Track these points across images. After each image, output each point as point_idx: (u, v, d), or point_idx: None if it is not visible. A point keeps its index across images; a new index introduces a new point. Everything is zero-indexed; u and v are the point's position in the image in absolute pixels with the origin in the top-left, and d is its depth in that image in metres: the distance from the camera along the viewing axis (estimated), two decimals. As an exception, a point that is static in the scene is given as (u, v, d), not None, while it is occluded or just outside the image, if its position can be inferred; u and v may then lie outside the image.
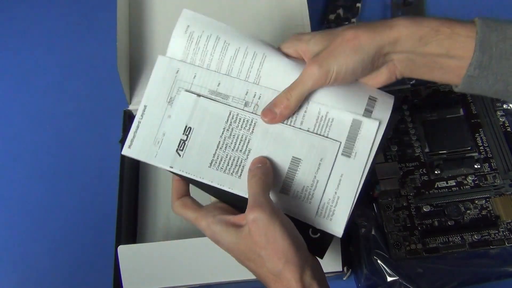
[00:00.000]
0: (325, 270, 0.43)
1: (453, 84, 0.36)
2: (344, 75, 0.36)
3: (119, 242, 0.46)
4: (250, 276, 0.43)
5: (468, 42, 0.33)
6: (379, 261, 0.47)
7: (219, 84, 0.38)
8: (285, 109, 0.37)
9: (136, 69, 0.55)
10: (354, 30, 0.35)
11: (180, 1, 0.57)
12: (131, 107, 0.53)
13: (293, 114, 0.38)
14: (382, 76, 0.38)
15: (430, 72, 0.36)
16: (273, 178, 0.37)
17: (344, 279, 0.47)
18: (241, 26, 0.56)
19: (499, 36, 0.33)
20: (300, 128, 0.38)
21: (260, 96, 0.38)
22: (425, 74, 0.37)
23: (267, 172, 0.36)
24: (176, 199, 0.39)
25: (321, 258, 0.38)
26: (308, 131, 0.38)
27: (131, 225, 0.51)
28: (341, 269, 0.44)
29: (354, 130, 0.38)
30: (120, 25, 0.52)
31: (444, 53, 0.34)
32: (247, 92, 0.38)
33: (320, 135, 0.38)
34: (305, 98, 0.37)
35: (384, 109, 0.39)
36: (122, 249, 0.44)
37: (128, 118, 0.53)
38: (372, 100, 0.39)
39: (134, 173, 0.54)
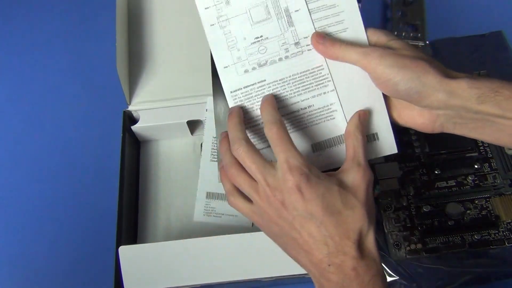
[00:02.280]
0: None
1: (506, 145, 0.37)
2: (386, 79, 0.36)
3: (119, 242, 0.46)
4: (251, 276, 0.43)
5: None
6: (379, 261, 0.47)
7: None
8: (332, 46, 0.38)
9: (136, 70, 0.55)
10: (427, 60, 0.36)
11: (179, 1, 0.57)
12: (130, 108, 0.53)
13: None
14: (421, 119, 0.38)
15: (479, 129, 0.36)
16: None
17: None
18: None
19: None
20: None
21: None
22: (473, 130, 0.36)
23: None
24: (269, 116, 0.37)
25: None
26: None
27: (132, 225, 0.51)
28: None
29: None
30: (119, 26, 0.52)
31: (501, 114, 0.34)
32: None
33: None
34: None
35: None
36: (123, 250, 0.44)
37: (128, 118, 0.53)
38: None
39: (134, 174, 0.54)
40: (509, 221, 0.48)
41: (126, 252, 0.45)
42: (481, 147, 0.51)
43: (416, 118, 0.39)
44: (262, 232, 0.44)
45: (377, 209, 0.49)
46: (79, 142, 0.60)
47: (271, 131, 0.35)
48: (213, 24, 0.40)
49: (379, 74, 0.36)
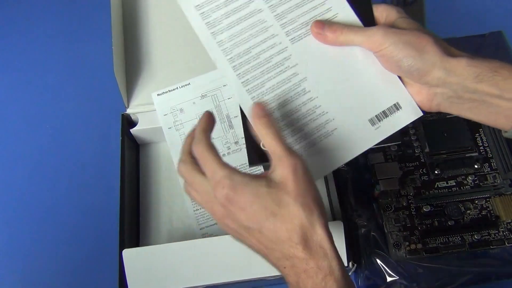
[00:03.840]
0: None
1: (501, 127, 0.36)
2: (389, 56, 0.36)
3: (122, 245, 0.46)
4: (255, 275, 0.43)
5: None
6: (379, 261, 0.47)
7: None
8: (333, 33, 0.38)
9: (133, 73, 0.55)
10: (431, 36, 0.36)
11: (174, 3, 0.57)
12: (129, 111, 0.53)
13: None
14: (419, 96, 0.39)
15: (476, 109, 0.36)
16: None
17: (349, 274, 0.47)
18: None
19: None
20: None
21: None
22: (468, 110, 0.37)
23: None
24: (204, 136, 0.36)
25: None
26: None
27: (134, 228, 0.52)
28: (346, 264, 0.44)
29: None
30: (115, 28, 0.52)
31: (497, 94, 0.34)
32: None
33: None
34: None
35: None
36: (127, 253, 0.45)
37: (127, 122, 0.54)
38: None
39: (135, 176, 0.54)
40: (509, 221, 0.48)
41: (130, 255, 0.45)
42: (481, 147, 0.51)
43: (415, 96, 0.39)
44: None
45: (377, 209, 0.49)
46: (78, 146, 0.60)
47: (196, 151, 0.35)
48: (170, 128, 0.51)
49: (383, 52, 0.37)
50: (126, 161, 0.51)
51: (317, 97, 0.38)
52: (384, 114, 0.39)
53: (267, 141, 0.34)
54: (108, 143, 0.58)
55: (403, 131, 0.53)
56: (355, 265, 0.46)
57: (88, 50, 0.66)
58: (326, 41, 0.39)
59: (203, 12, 0.41)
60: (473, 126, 0.53)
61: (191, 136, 0.37)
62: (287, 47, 0.40)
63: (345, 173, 0.52)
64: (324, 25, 0.39)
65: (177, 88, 0.52)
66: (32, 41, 0.68)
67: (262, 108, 0.35)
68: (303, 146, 0.38)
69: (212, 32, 0.41)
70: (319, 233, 0.32)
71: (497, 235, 0.47)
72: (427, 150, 0.52)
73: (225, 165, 0.34)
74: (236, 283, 0.44)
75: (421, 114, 0.39)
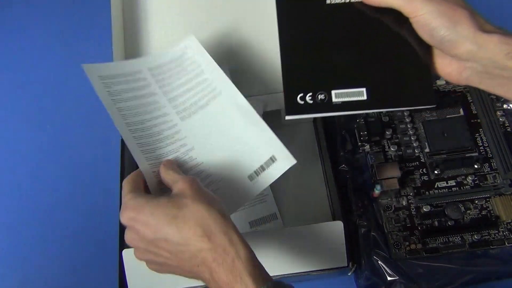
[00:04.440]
0: (330, 266, 0.44)
1: None
2: (424, 23, 0.36)
3: (122, 246, 0.46)
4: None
5: None
6: (379, 261, 0.47)
7: None
8: None
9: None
10: (467, 10, 0.36)
11: (174, 3, 0.57)
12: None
13: None
14: (449, 68, 0.38)
15: (505, 86, 0.36)
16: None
17: (349, 274, 0.47)
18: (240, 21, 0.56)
19: None
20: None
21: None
22: (498, 86, 0.37)
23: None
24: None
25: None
26: None
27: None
28: (346, 264, 0.44)
29: None
30: (115, 28, 0.52)
31: None
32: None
33: None
34: None
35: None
36: (127, 253, 0.45)
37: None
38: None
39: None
40: (509, 221, 0.48)
41: (130, 255, 0.44)
42: (481, 147, 0.51)
43: (445, 67, 0.39)
44: (263, 231, 0.44)
45: (377, 209, 0.49)
46: (78, 146, 0.60)
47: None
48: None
49: (419, 18, 0.37)
50: (126, 161, 0.51)
51: (202, 163, 0.43)
52: (262, 168, 0.42)
53: (165, 176, 0.39)
54: (108, 143, 0.58)
55: (403, 131, 0.53)
56: (355, 265, 0.46)
57: (88, 50, 0.66)
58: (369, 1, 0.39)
59: (106, 83, 0.47)
60: (473, 126, 0.53)
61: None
62: (177, 123, 0.45)
63: (345, 173, 0.52)
64: None
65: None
66: (32, 41, 0.68)
67: (167, 164, 0.41)
68: None
69: (113, 99, 0.46)
70: (220, 223, 0.34)
71: (497, 235, 0.47)
72: (427, 150, 0.52)
73: (131, 191, 0.37)
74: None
75: (294, 161, 0.41)
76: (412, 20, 0.38)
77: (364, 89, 0.39)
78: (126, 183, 0.39)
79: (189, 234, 0.34)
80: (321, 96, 0.38)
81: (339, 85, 0.38)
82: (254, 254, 0.35)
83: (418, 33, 0.38)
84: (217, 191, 0.42)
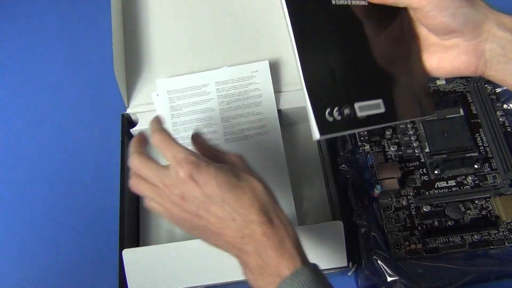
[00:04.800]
0: (331, 266, 0.44)
1: None
2: (444, 7, 0.35)
3: (122, 245, 0.46)
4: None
5: None
6: (379, 261, 0.47)
7: None
8: None
9: (133, 73, 0.55)
10: None
11: (173, 3, 0.57)
12: (129, 111, 0.53)
13: None
14: (465, 55, 0.37)
15: None
16: None
17: (349, 274, 0.47)
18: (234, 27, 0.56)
19: None
20: None
21: None
22: None
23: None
24: (161, 127, 0.38)
25: None
26: None
27: (134, 228, 0.52)
28: (346, 264, 0.44)
29: None
30: (115, 28, 0.52)
31: None
32: None
33: None
34: None
35: None
36: (127, 253, 0.45)
37: (127, 121, 0.53)
38: None
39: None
40: (509, 221, 0.48)
41: (129, 255, 0.45)
42: (481, 147, 0.51)
43: (462, 55, 0.37)
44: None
45: (377, 209, 0.49)
46: (78, 146, 0.60)
47: (154, 139, 0.37)
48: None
49: (436, 4, 0.35)
50: (126, 161, 0.51)
51: None
52: None
53: (210, 148, 0.39)
54: (108, 143, 0.58)
55: (403, 131, 0.53)
56: (355, 265, 0.46)
57: (88, 50, 0.66)
58: None
59: (171, 97, 0.52)
60: (473, 126, 0.53)
61: (138, 137, 0.39)
62: (220, 143, 0.51)
63: (345, 173, 0.52)
64: None
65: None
66: (32, 41, 0.68)
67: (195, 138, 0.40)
68: None
69: (172, 114, 0.52)
70: (273, 202, 0.35)
71: (497, 235, 0.47)
72: (427, 150, 0.52)
73: (187, 148, 0.36)
74: (236, 283, 0.44)
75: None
76: (428, 8, 0.36)
77: (380, 101, 0.36)
78: (171, 141, 0.37)
79: (246, 205, 0.34)
80: (346, 111, 0.35)
81: (359, 98, 0.36)
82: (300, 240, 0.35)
83: (434, 22, 0.36)
84: None
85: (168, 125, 0.52)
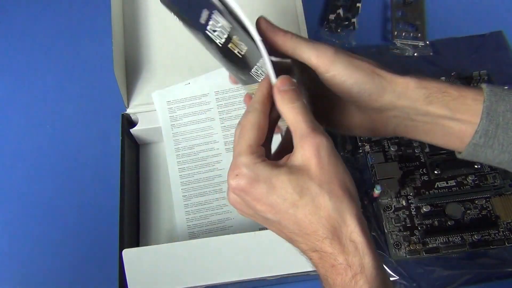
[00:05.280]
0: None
1: (455, 149, 0.35)
2: (340, 81, 0.33)
3: (122, 245, 0.46)
4: (255, 275, 0.43)
5: (474, 106, 0.32)
6: (379, 261, 0.47)
7: None
8: (284, 36, 0.34)
9: (133, 73, 0.55)
10: (374, 62, 0.34)
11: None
12: (129, 111, 0.53)
13: None
14: (372, 123, 0.36)
15: (430, 132, 0.35)
16: None
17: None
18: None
19: (506, 105, 0.32)
20: None
21: None
22: (424, 133, 0.36)
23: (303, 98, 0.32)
24: (257, 108, 0.31)
25: None
26: None
27: (134, 228, 0.52)
28: None
29: None
30: (115, 28, 0.52)
31: (449, 115, 0.33)
32: None
33: None
34: None
35: None
36: (127, 253, 0.45)
37: (127, 121, 0.54)
38: None
39: (134, 177, 0.54)
40: (509, 221, 0.48)
41: (129, 255, 0.45)
42: (481, 147, 0.51)
43: (369, 124, 0.37)
44: (265, 231, 0.44)
45: (377, 209, 0.49)
46: (78, 146, 0.60)
47: (235, 132, 0.33)
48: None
49: (332, 74, 0.33)
50: (126, 161, 0.51)
51: None
52: None
53: (290, 117, 0.31)
54: (108, 143, 0.58)
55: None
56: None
57: (88, 50, 0.66)
58: (275, 41, 0.34)
59: (171, 108, 0.53)
60: (473, 126, 0.53)
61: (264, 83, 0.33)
62: (221, 153, 0.51)
63: (345, 173, 0.52)
64: (273, 25, 0.34)
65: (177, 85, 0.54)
66: (32, 41, 0.68)
67: (285, 82, 0.31)
68: None
69: (172, 124, 0.52)
70: (349, 225, 0.28)
71: (497, 235, 0.47)
72: (427, 150, 0.52)
73: (252, 152, 0.30)
74: (236, 283, 0.44)
75: None
76: (324, 76, 0.34)
77: None
78: (249, 132, 0.31)
79: (309, 231, 0.29)
80: None
81: None
82: (381, 267, 0.30)
83: (332, 89, 0.35)
84: None
85: (169, 136, 0.53)
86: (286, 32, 0.34)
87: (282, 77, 0.32)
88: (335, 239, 0.28)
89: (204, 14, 0.32)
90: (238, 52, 0.33)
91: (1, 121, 0.63)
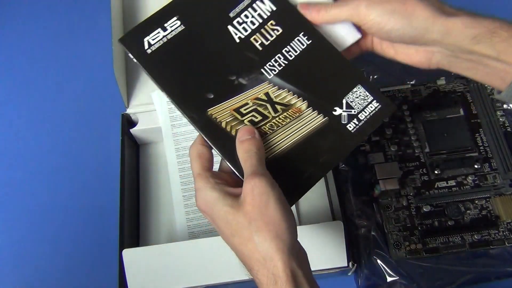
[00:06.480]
0: (330, 266, 0.44)
1: (496, 88, 0.36)
2: (377, 28, 0.36)
3: (122, 245, 0.46)
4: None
5: None
6: (379, 261, 0.47)
7: None
8: (318, 13, 0.39)
9: (133, 73, 0.55)
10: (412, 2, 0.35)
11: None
12: (129, 111, 0.53)
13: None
14: (417, 56, 0.38)
15: (473, 69, 0.36)
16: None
17: (349, 274, 0.47)
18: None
19: None
20: None
21: None
22: (466, 70, 0.36)
23: (259, 144, 0.35)
24: (199, 143, 0.36)
25: (293, 202, 0.36)
26: None
27: (134, 228, 0.52)
28: (346, 265, 0.44)
29: None
30: (115, 29, 0.52)
31: (494, 55, 0.33)
32: None
33: None
34: None
35: None
36: (127, 253, 0.45)
37: (127, 121, 0.53)
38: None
39: (135, 177, 0.54)
40: (509, 221, 0.48)
41: (129, 255, 0.45)
42: (481, 147, 0.51)
43: (413, 56, 0.38)
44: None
45: (377, 209, 0.49)
46: (78, 146, 0.60)
47: (190, 151, 0.37)
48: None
49: (369, 25, 0.36)
50: (126, 161, 0.51)
51: None
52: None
53: (242, 161, 0.34)
54: (108, 143, 0.58)
55: (403, 131, 0.53)
56: (355, 265, 0.46)
57: (88, 50, 0.66)
58: (316, 21, 0.39)
59: (171, 108, 0.52)
60: (473, 126, 0.53)
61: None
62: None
63: (345, 173, 0.52)
64: (309, 7, 0.39)
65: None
66: (32, 41, 0.68)
67: (244, 132, 0.35)
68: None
69: (172, 125, 0.52)
70: (272, 259, 0.30)
71: (497, 235, 0.47)
72: (427, 150, 0.52)
73: (201, 177, 0.34)
74: (236, 283, 0.44)
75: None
76: (364, 28, 0.37)
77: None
78: (196, 159, 0.35)
79: (246, 256, 0.32)
80: None
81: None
82: None
83: (375, 36, 0.38)
84: None
85: (169, 136, 0.53)
86: (319, 8, 0.39)
87: (242, 128, 0.36)
88: (264, 271, 0.31)
89: None
90: None
91: (1, 121, 0.63)
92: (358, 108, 0.38)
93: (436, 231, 0.48)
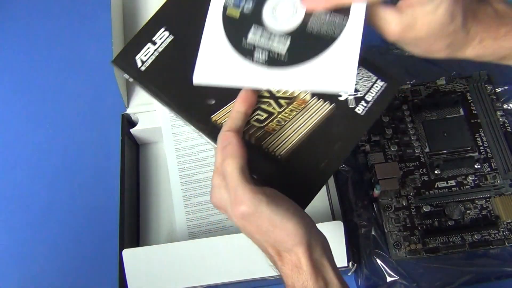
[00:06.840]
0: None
1: None
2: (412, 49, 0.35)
3: (122, 245, 0.46)
4: (254, 275, 0.43)
5: None
6: (379, 261, 0.47)
7: None
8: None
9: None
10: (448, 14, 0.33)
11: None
12: (129, 111, 0.53)
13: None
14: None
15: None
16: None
17: (349, 274, 0.47)
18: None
19: None
20: None
21: None
22: (508, 59, 0.36)
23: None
24: (236, 130, 0.33)
25: (313, 195, 0.35)
26: None
27: (134, 228, 0.52)
28: (346, 264, 0.44)
29: None
30: (115, 28, 0.52)
31: None
32: None
33: None
34: None
35: None
36: (127, 253, 0.45)
37: (127, 121, 0.54)
38: None
39: (135, 177, 0.54)
40: (509, 221, 0.48)
41: (129, 255, 0.45)
42: (481, 147, 0.51)
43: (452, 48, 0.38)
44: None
45: (377, 209, 0.49)
46: (78, 146, 0.60)
47: (217, 152, 0.35)
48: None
49: (403, 46, 0.36)
50: (126, 161, 0.51)
51: None
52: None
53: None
54: (108, 143, 0.58)
55: (403, 131, 0.53)
56: (355, 265, 0.46)
57: (88, 50, 0.66)
58: (325, 8, 0.35)
59: None
60: (473, 126, 0.53)
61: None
62: None
63: (345, 173, 0.52)
64: None
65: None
66: (32, 41, 0.68)
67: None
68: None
69: (172, 125, 0.53)
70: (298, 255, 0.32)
71: (497, 235, 0.47)
72: (427, 150, 0.52)
73: (241, 173, 0.32)
74: (236, 283, 0.44)
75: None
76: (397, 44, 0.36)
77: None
78: (235, 158, 0.32)
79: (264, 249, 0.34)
80: None
81: None
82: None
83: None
84: None
85: (169, 136, 0.53)
86: None
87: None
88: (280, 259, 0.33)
89: None
90: None
91: (1, 121, 0.63)
92: (363, 89, 0.37)
93: (436, 231, 0.48)
